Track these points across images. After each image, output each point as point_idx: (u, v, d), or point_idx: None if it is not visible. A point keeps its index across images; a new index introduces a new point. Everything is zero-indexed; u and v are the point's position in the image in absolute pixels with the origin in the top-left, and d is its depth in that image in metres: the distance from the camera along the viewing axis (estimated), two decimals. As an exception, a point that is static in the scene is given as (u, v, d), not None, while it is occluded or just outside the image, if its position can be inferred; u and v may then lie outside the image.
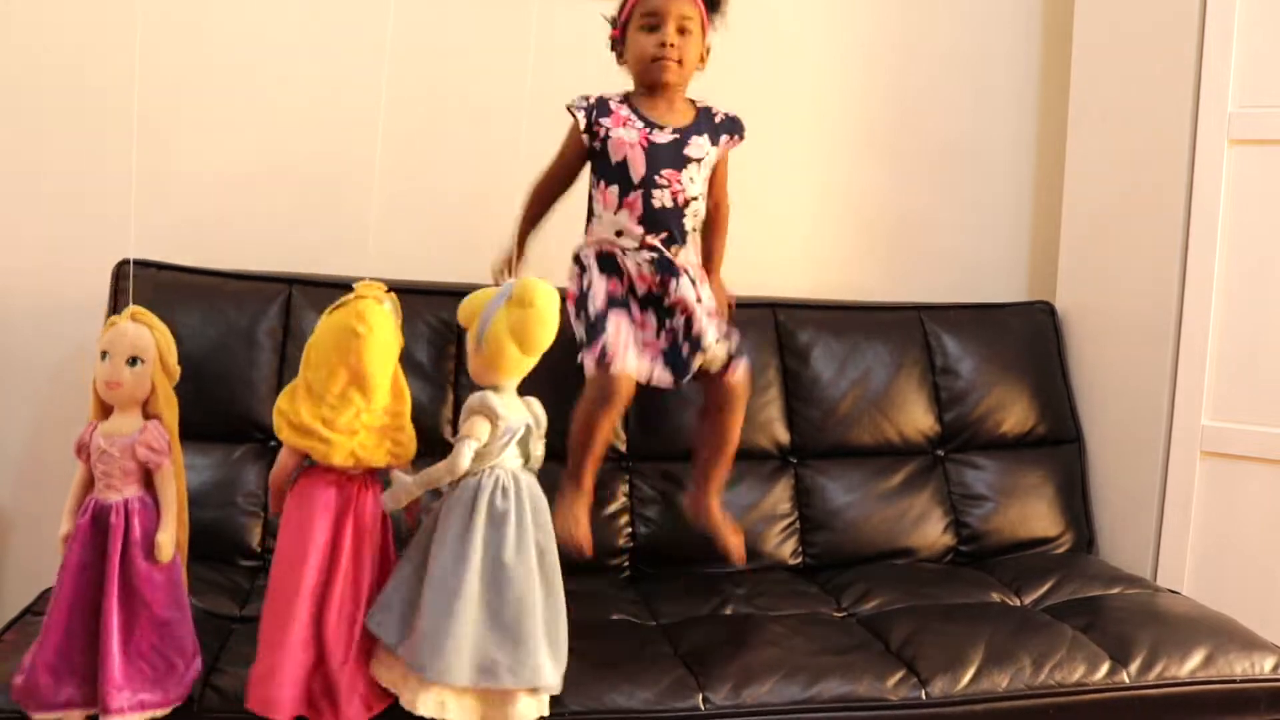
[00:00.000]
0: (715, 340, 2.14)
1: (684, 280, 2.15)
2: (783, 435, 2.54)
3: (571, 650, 1.80)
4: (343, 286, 2.38)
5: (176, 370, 1.73)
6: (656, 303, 2.16)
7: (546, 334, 1.74)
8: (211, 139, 2.55)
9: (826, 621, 2.18)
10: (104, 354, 1.69)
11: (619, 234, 2.15)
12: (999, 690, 1.94)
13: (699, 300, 2.15)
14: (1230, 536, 2.43)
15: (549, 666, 1.72)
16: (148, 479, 1.70)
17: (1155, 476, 2.52)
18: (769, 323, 2.57)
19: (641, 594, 2.22)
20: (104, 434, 1.69)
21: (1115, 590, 2.33)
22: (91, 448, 1.69)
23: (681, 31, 2.14)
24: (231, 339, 2.33)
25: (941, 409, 2.62)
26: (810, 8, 2.77)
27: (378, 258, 2.51)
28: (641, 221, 2.14)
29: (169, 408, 1.72)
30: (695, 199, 2.18)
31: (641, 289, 2.15)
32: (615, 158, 2.14)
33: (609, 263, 2.16)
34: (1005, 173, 2.91)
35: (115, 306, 2.34)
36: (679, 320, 2.14)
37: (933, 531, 2.53)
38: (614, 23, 2.22)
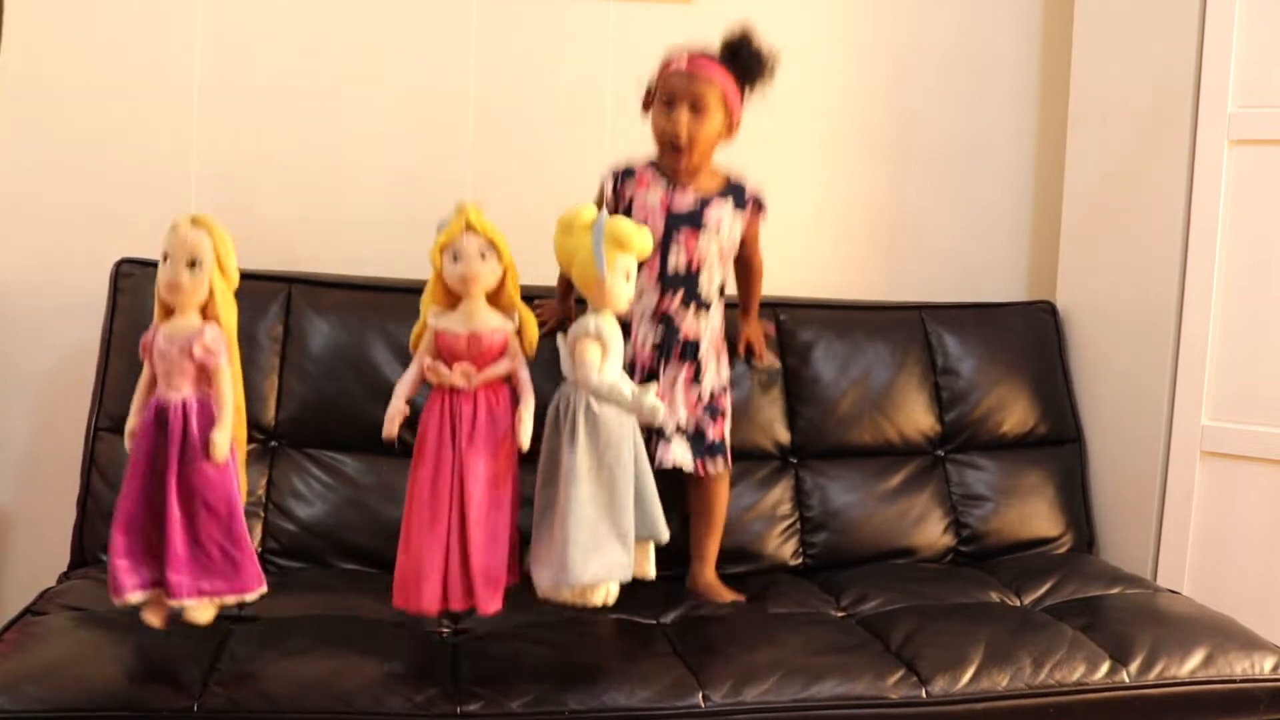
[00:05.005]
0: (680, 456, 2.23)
1: (675, 373, 2.22)
2: (783, 435, 2.55)
3: (572, 649, 1.83)
4: (341, 286, 2.43)
5: (235, 274, 1.79)
6: (646, 379, 2.21)
7: (559, 253, 1.90)
8: (212, 137, 2.55)
9: (826, 621, 2.18)
10: (165, 257, 1.74)
11: (638, 297, 2.18)
12: (999, 690, 1.94)
13: (692, 392, 2.23)
14: (1230, 536, 2.43)
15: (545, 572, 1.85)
16: (209, 379, 1.76)
17: (1155, 476, 2.51)
18: (770, 322, 2.56)
19: (643, 595, 2.20)
20: (165, 335, 1.75)
21: (1115, 590, 2.33)
22: (154, 348, 1.76)
23: (695, 111, 2.15)
24: None
25: (942, 409, 2.62)
26: (810, 8, 2.78)
27: (381, 258, 2.55)
28: (658, 282, 2.20)
29: (227, 310, 1.77)
30: (709, 264, 2.22)
31: (638, 367, 2.22)
32: (634, 219, 2.15)
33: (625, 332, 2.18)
34: (1005, 172, 2.91)
35: (115, 306, 2.36)
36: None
37: (933, 531, 2.53)
38: (648, 91, 2.24)
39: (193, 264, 1.73)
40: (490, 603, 1.85)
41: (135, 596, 1.75)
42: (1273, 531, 2.38)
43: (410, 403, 1.94)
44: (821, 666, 1.94)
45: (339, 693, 1.77)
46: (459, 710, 1.77)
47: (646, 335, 2.22)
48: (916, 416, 2.60)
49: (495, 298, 1.92)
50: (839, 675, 1.92)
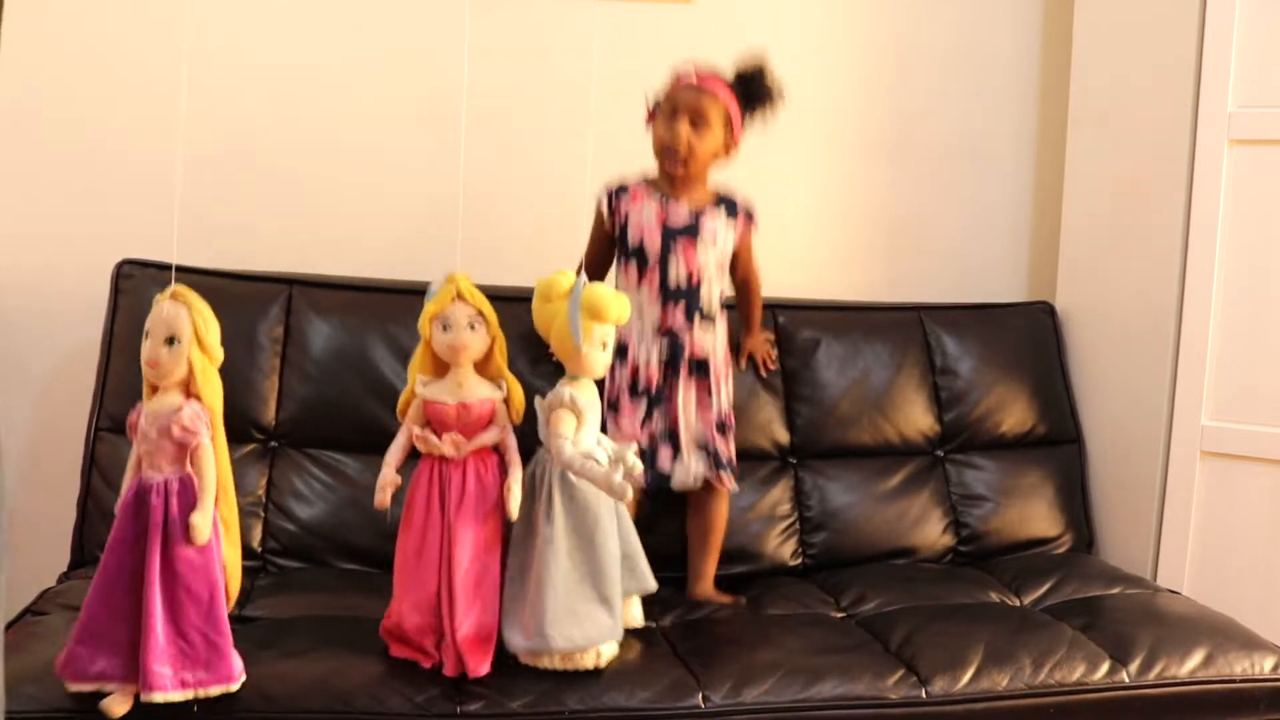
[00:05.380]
0: (695, 471, 2.24)
1: (687, 390, 2.23)
2: (782, 435, 2.55)
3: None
4: (341, 287, 2.44)
5: (218, 351, 1.73)
6: (651, 397, 2.23)
7: (537, 319, 1.92)
8: (211, 138, 2.54)
9: (826, 622, 2.18)
10: (146, 333, 1.69)
11: (639, 313, 2.22)
12: (999, 690, 1.94)
13: (706, 409, 2.24)
14: (1230, 536, 2.43)
15: (516, 637, 1.85)
16: (192, 459, 1.71)
17: (1155, 476, 2.51)
18: (769, 323, 2.57)
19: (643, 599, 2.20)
20: (147, 414, 1.70)
21: (1115, 590, 2.33)
22: (138, 427, 1.71)
23: (696, 125, 2.18)
24: (232, 340, 2.29)
25: (941, 409, 2.62)
26: (810, 7, 2.78)
27: (374, 259, 2.55)
28: (659, 295, 2.22)
29: (209, 387, 1.71)
30: (708, 275, 2.24)
31: (642, 384, 2.23)
32: (633, 239, 2.23)
33: (621, 351, 2.21)
34: (1005, 173, 2.91)
35: (115, 306, 2.36)
36: (662, 424, 2.24)
37: (932, 532, 2.53)
38: (654, 104, 2.26)
39: (170, 340, 1.68)
40: (479, 667, 1.83)
41: (76, 687, 1.68)
42: (1273, 531, 2.38)
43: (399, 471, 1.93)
44: (821, 667, 1.94)
45: (339, 693, 1.77)
46: (459, 710, 1.77)
47: (650, 351, 2.23)
48: (916, 417, 2.60)
49: (483, 366, 1.92)
50: (838, 675, 1.92)
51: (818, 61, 2.79)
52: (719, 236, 2.25)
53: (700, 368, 2.24)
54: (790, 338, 2.58)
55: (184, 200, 2.49)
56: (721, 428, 2.27)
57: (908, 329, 2.66)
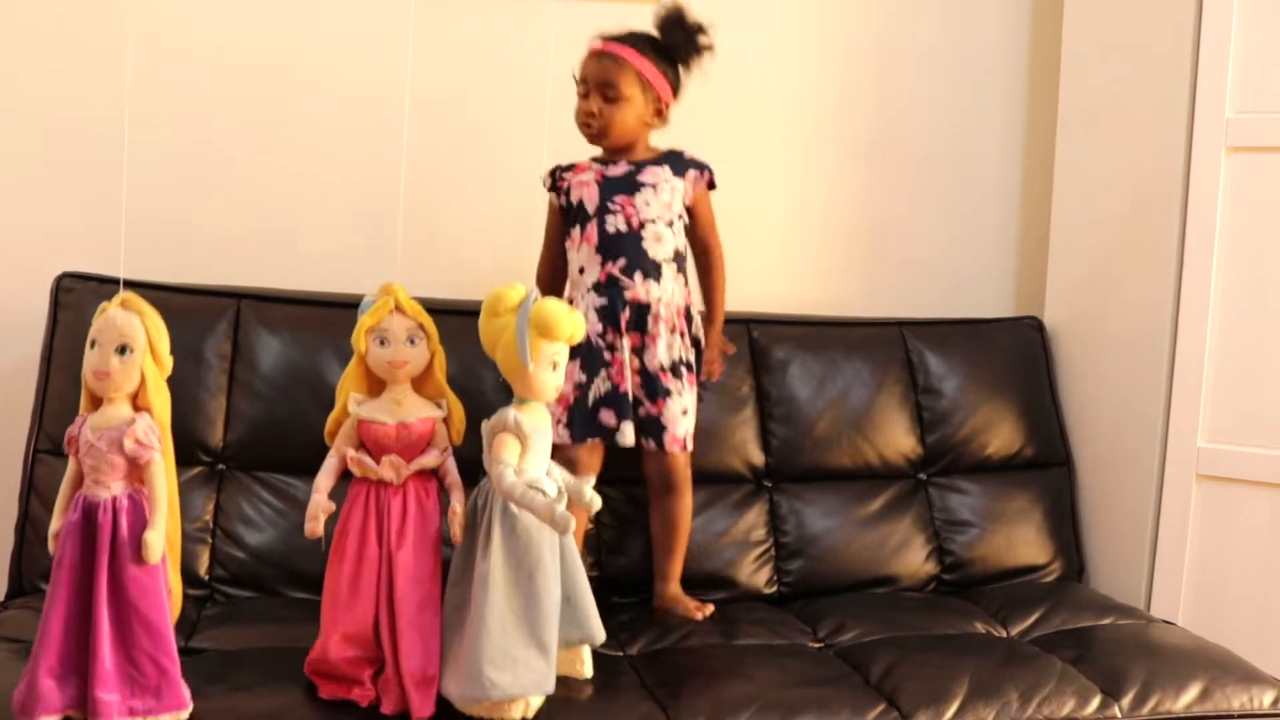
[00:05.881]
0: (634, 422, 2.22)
1: (625, 343, 2.21)
2: (757, 457, 2.52)
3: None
4: (293, 301, 2.44)
5: (168, 361, 1.72)
6: (590, 353, 2.20)
7: (483, 335, 1.86)
8: (158, 149, 2.52)
9: (803, 653, 2.15)
10: (93, 342, 1.67)
11: (581, 270, 2.24)
12: (984, 725, 1.92)
13: (654, 361, 2.21)
14: (1227, 564, 2.41)
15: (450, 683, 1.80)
16: (140, 474, 1.69)
17: (1149, 501, 2.49)
18: (743, 339, 2.54)
19: (610, 624, 2.15)
20: (92, 427, 1.68)
21: (1107, 621, 2.31)
22: (80, 441, 1.69)
23: (608, 96, 2.19)
24: (178, 356, 2.27)
25: (924, 430, 2.60)
26: (786, 7, 2.76)
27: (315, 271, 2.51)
28: (599, 249, 2.21)
29: (160, 399, 1.70)
30: (652, 221, 2.22)
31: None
32: (574, 199, 2.24)
33: None
34: (991, 180, 2.89)
35: (55, 321, 2.33)
36: (604, 381, 2.21)
37: (915, 559, 2.51)
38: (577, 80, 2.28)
39: (123, 349, 1.66)
40: (423, 706, 1.79)
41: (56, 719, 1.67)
42: (1272, 559, 2.36)
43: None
44: (797, 700, 1.91)
45: (289, 730, 1.76)
46: (416, 747, 1.77)
47: (589, 306, 2.21)
48: (897, 438, 2.58)
49: (420, 384, 1.89)
50: (816, 710, 1.89)
51: (791, 61, 2.78)
52: (661, 189, 2.23)
53: (639, 319, 2.21)
54: (765, 354, 2.56)
55: (126, 211, 2.46)
56: (652, 387, 2.22)
57: (888, 345, 2.64)
